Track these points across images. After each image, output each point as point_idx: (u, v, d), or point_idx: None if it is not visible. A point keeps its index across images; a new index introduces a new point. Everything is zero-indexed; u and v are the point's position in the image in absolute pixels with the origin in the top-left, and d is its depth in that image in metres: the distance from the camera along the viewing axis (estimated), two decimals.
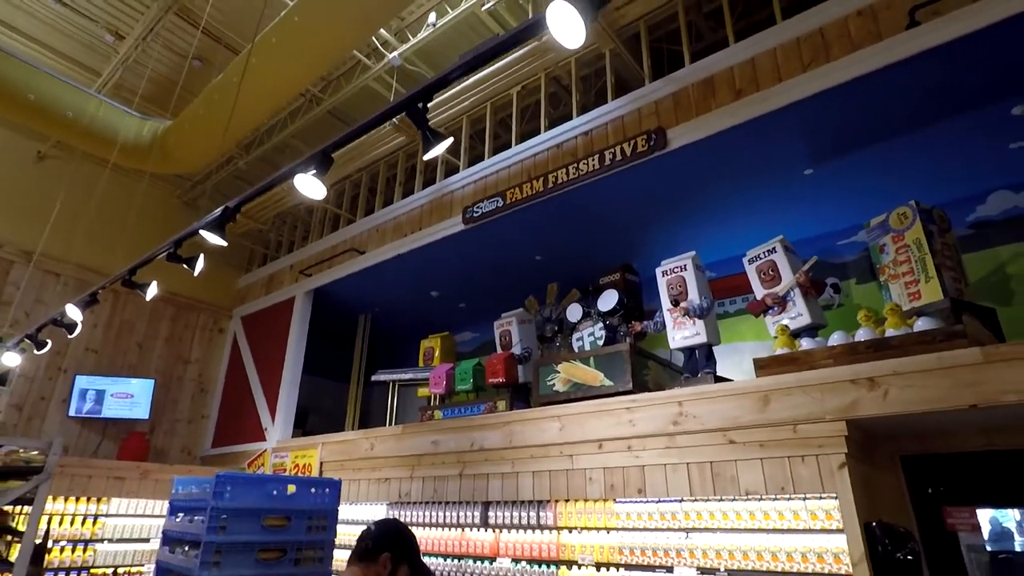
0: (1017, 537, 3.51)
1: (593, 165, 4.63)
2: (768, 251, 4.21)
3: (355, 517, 5.25)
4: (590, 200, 4.98)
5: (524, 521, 4.21)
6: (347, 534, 5.19)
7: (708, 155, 4.39)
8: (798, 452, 3.16)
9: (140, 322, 7.07)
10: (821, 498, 3.08)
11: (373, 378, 6.04)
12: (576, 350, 4.81)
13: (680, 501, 3.57)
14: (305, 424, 7.43)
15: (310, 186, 2.77)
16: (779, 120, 4.00)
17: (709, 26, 5.57)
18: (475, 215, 5.35)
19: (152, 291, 4.11)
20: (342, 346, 7.97)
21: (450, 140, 2.33)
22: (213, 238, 3.26)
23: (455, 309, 7.57)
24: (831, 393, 3.11)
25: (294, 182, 2.69)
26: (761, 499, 3.25)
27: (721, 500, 3.38)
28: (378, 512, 5.08)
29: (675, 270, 4.35)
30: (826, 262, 5.31)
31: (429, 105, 5.43)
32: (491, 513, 4.39)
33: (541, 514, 4.16)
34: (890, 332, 3.20)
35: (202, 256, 3.83)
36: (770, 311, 4.11)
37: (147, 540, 5.78)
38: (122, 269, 4.08)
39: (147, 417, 6.65)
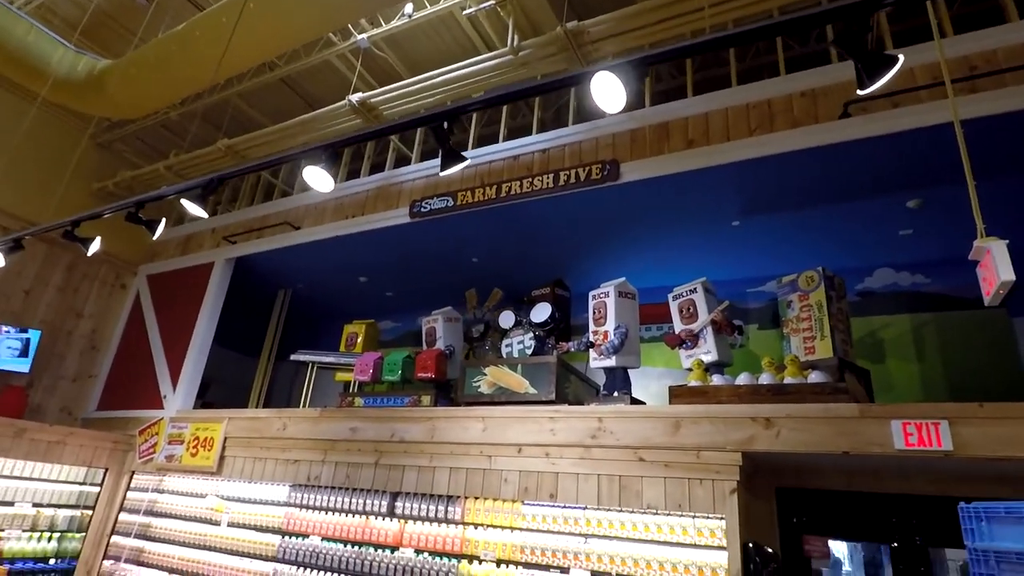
0: (846, 566, 4.14)
1: (548, 183, 4.84)
2: (690, 290, 4.63)
3: (256, 496, 5.12)
4: (537, 215, 5.19)
5: (431, 514, 4.29)
6: (246, 513, 5.07)
7: (653, 193, 4.74)
8: (697, 475, 3.52)
9: (30, 266, 6.39)
10: (709, 518, 3.44)
11: (293, 357, 5.88)
12: (504, 356, 5.01)
13: (584, 508, 3.84)
14: (205, 395, 7.07)
15: (318, 179, 2.73)
16: (721, 173, 4.41)
17: (670, 72, 5.98)
18: (423, 210, 5.39)
19: (95, 246, 3.80)
20: (254, 319, 7.66)
21: (467, 162, 2.42)
22: (194, 208, 3.10)
23: (381, 297, 7.52)
24: (733, 427, 3.49)
25: (303, 174, 2.65)
26: (656, 513, 3.58)
27: (621, 511, 3.68)
28: (280, 493, 4.99)
29: (600, 296, 4.66)
30: (735, 306, 5.86)
31: (392, 96, 5.43)
32: (399, 504, 4.46)
33: (449, 509, 4.27)
34: (788, 380, 3.66)
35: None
36: (684, 345, 4.53)
37: (11, 504, 5.29)
38: (43, 217, 3.74)
39: (27, 371, 6.05)
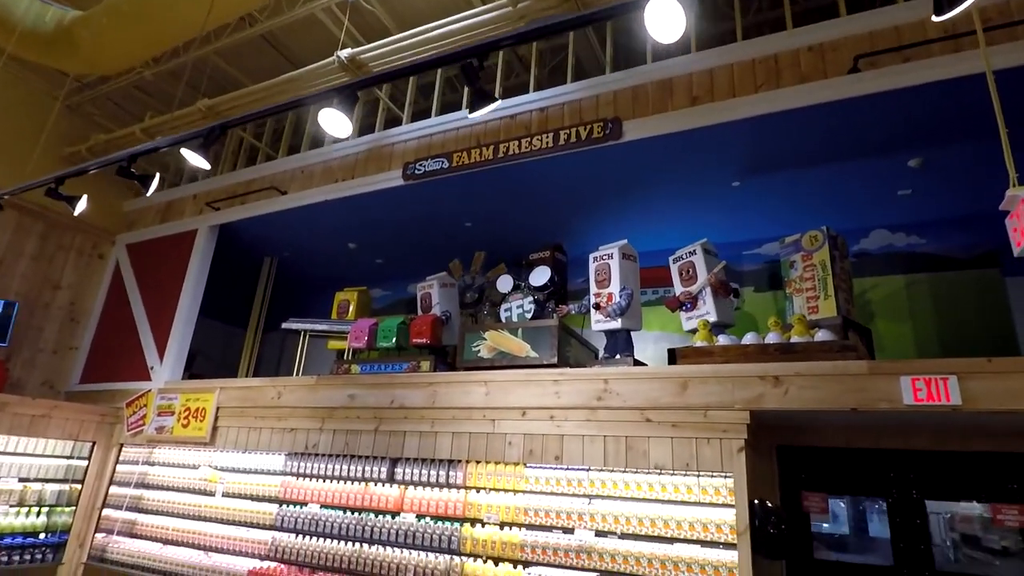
0: (844, 521, 4.21)
1: (547, 142, 4.71)
2: (689, 252, 4.58)
3: (252, 466, 5.04)
4: (535, 176, 5.06)
5: (433, 479, 4.28)
6: (241, 483, 5.00)
7: (655, 153, 4.63)
8: (705, 434, 3.52)
9: (1, 236, 6.10)
10: (715, 476, 3.45)
11: (285, 325, 5.74)
12: (503, 320, 4.93)
13: (587, 470, 3.84)
14: (191, 367, 6.91)
15: (335, 122, 2.55)
16: (726, 131, 4.31)
17: None
18: (417, 172, 5.22)
19: (82, 205, 3.57)
20: (240, 288, 7.46)
21: (498, 103, 2.28)
22: (196, 159, 2.90)
23: (371, 264, 7.37)
24: (741, 386, 3.49)
25: (319, 117, 2.47)
26: (662, 473, 3.58)
27: (625, 472, 3.68)
28: (276, 462, 4.92)
29: (603, 257, 4.59)
30: (730, 268, 5.84)
31: (383, 51, 5.19)
32: (399, 469, 4.42)
33: (451, 473, 4.26)
34: (795, 339, 3.65)
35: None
36: (684, 307, 4.50)
37: None
38: (9, 184, 3.49)
39: (5, 344, 5.81)
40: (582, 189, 5.31)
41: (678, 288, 4.58)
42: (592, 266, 4.59)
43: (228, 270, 7.04)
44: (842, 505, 4.31)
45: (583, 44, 5.31)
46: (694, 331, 4.41)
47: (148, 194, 3.39)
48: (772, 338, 3.72)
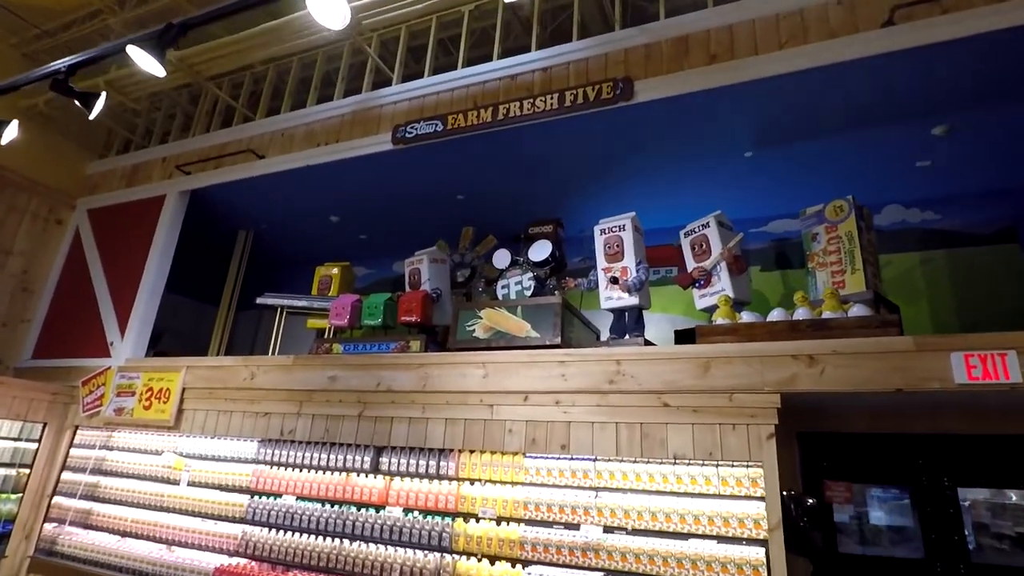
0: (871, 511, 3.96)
1: (552, 104, 4.31)
2: (702, 225, 4.26)
3: (222, 453, 4.59)
4: (535, 142, 4.67)
5: (421, 470, 3.93)
6: (209, 471, 4.55)
7: (667, 117, 4.29)
8: (730, 420, 3.18)
9: None
10: (738, 465, 3.12)
11: (260, 300, 5.27)
12: (500, 298, 4.55)
13: (594, 460, 3.49)
14: (157, 345, 6.40)
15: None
16: (743, 93, 3.97)
17: None
18: (408, 135, 4.79)
19: (11, 133, 3.04)
20: (213, 263, 6.94)
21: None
22: (148, 63, 2.41)
23: (354, 240, 6.91)
24: (771, 366, 3.16)
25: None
26: (676, 463, 3.24)
27: (636, 462, 3.34)
28: (247, 449, 4.47)
29: (614, 229, 4.24)
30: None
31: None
32: (384, 459, 4.06)
33: (442, 464, 3.90)
34: (827, 315, 3.32)
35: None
36: (697, 284, 4.16)
37: None
38: None
39: None
40: (583, 159, 4.94)
41: (690, 264, 4.24)
42: (600, 239, 4.22)
43: (200, 243, 6.54)
44: (869, 494, 4.05)
45: (588, 3, 4.91)
46: (707, 310, 4.10)
47: (91, 116, 2.90)
48: (801, 314, 3.39)
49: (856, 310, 3.27)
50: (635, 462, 3.39)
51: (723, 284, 3.98)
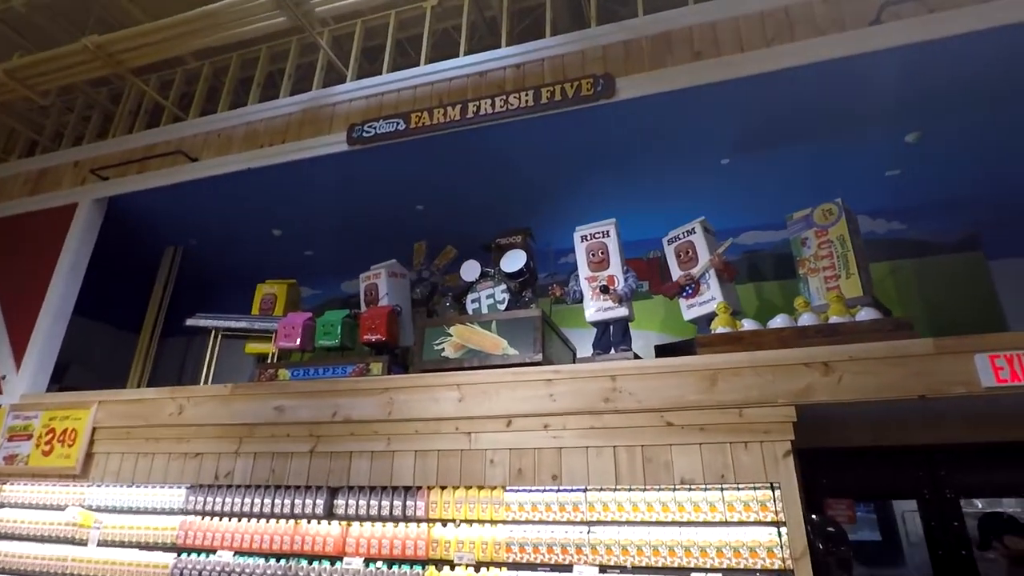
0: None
1: (527, 101, 3.99)
2: (688, 232, 4.01)
3: (141, 504, 3.86)
4: (507, 144, 4.34)
5: (385, 511, 3.41)
6: (125, 526, 3.81)
7: (647, 117, 4.06)
8: (742, 438, 2.87)
9: None
10: (743, 489, 2.81)
11: (191, 322, 4.58)
12: (471, 312, 4.12)
13: (584, 490, 3.09)
14: (62, 380, 5.53)
15: None
16: (727, 93, 3.80)
17: None
18: (366, 135, 4.34)
19: None
20: (133, 284, 6.13)
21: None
22: None
23: (298, 257, 6.31)
24: (784, 376, 2.87)
25: None
26: (692, 488, 2.89)
27: (631, 490, 2.97)
28: (173, 498, 3.78)
29: (597, 235, 3.93)
30: None
31: None
32: (340, 501, 3.51)
33: (409, 503, 3.40)
34: (834, 319, 3.10)
35: None
36: (684, 292, 3.89)
37: None
38: None
39: None
40: (554, 163, 4.64)
41: (675, 272, 3.96)
42: (582, 246, 3.89)
43: (120, 261, 5.76)
44: (869, 512, 3.85)
45: (560, 3, 4.69)
46: (696, 321, 3.82)
47: None
48: (807, 320, 3.14)
49: (864, 314, 3.05)
50: (630, 490, 3.02)
51: (713, 292, 3.71)
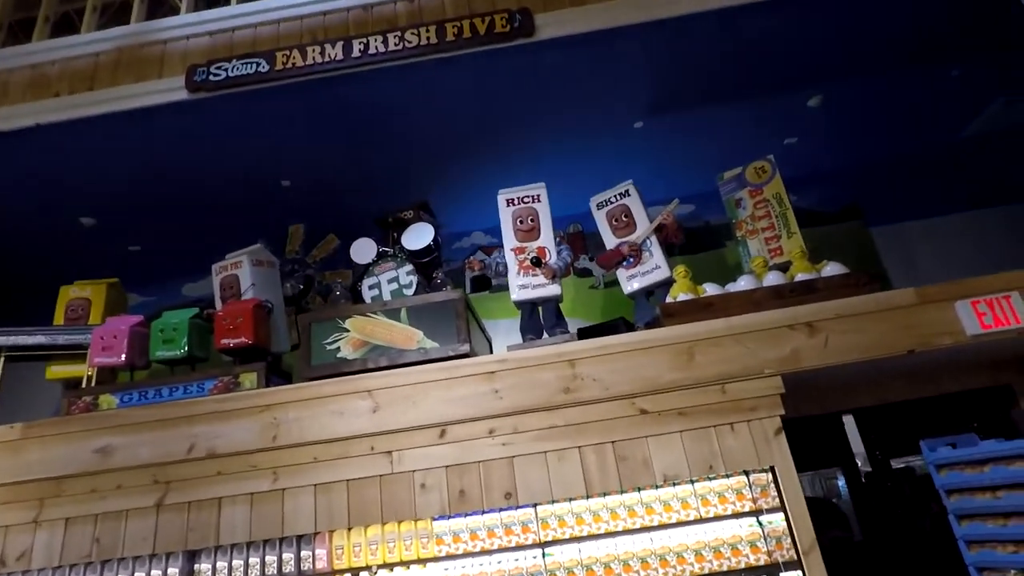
0: None
1: (429, 38, 3.26)
2: (620, 194, 3.58)
3: None
4: (401, 96, 3.56)
5: (271, 572, 2.55)
6: None
7: (565, 65, 3.54)
8: (726, 419, 2.45)
9: None
10: (732, 476, 2.42)
11: None
12: (370, 301, 3.30)
13: (534, 506, 2.50)
14: None
15: None
16: (647, 36, 3.40)
17: None
18: (213, 79, 3.29)
19: None
20: None
21: None
22: None
23: (120, 253, 4.90)
24: (768, 342, 2.50)
25: None
26: (676, 483, 2.43)
27: (588, 498, 2.46)
28: None
29: (526, 200, 3.36)
30: None
31: None
32: (203, 565, 2.59)
33: (304, 554, 2.60)
34: (801, 276, 2.79)
35: None
36: (625, 262, 3.43)
37: None
38: None
39: None
40: (452, 125, 3.93)
41: (610, 241, 3.48)
42: (508, 211, 3.27)
43: None
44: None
45: None
46: (635, 295, 3.37)
47: None
48: (772, 280, 2.81)
49: (831, 268, 2.79)
50: (587, 498, 2.48)
51: (657, 259, 3.28)
